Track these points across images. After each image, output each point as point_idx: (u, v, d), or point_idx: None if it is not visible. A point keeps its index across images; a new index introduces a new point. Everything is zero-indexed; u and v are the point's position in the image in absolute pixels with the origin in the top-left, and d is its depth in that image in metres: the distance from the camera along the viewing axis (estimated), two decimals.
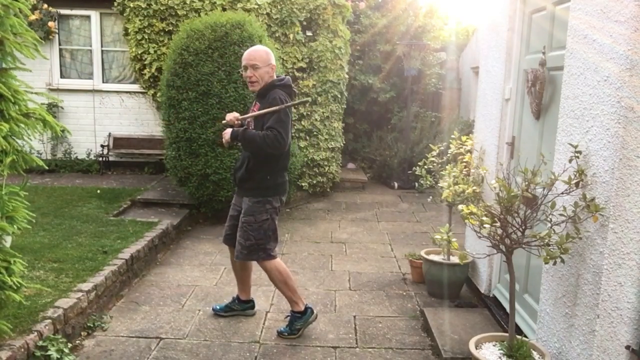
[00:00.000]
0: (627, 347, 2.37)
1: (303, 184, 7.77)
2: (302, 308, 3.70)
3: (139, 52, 7.83)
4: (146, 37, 7.76)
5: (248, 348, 3.52)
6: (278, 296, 4.34)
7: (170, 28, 7.66)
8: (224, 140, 3.61)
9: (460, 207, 3.15)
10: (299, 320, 3.68)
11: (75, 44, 8.56)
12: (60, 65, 8.56)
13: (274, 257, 3.63)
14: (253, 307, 4.02)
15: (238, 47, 5.90)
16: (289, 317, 3.74)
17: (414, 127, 9.52)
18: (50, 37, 8.23)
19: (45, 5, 8.06)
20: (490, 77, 4.26)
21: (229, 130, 3.56)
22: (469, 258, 4.23)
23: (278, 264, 3.65)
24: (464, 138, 4.63)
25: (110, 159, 8.55)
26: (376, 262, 5.29)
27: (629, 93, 2.30)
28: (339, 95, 7.88)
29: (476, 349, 2.93)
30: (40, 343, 3.08)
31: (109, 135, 8.51)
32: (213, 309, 4.00)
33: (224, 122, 3.65)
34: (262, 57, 3.50)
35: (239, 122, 3.60)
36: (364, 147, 9.98)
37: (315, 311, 3.79)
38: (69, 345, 3.35)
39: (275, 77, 3.58)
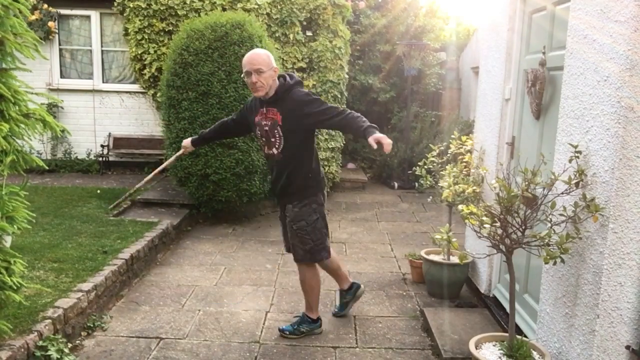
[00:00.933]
0: (627, 347, 2.37)
1: None
2: (315, 317, 3.73)
3: (139, 52, 7.83)
4: (146, 37, 7.77)
5: (248, 348, 3.52)
6: (278, 296, 4.34)
7: (170, 28, 7.66)
8: (387, 147, 2.98)
9: (460, 207, 3.15)
10: (307, 325, 3.69)
11: (75, 44, 8.57)
12: (60, 65, 8.57)
13: (329, 257, 3.66)
14: (359, 286, 4.03)
15: (238, 47, 5.90)
16: (298, 317, 3.75)
17: (414, 127, 9.52)
18: (50, 37, 8.23)
19: (45, 5, 8.06)
20: (490, 77, 4.26)
21: (379, 136, 2.99)
22: (469, 258, 4.23)
23: (315, 269, 3.68)
24: (464, 138, 4.63)
25: (110, 159, 8.56)
26: (376, 262, 5.29)
27: (629, 93, 2.30)
28: (339, 95, 7.88)
29: (476, 349, 2.93)
30: (40, 343, 3.08)
31: (109, 135, 8.51)
32: (334, 314, 4.02)
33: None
34: (265, 61, 3.37)
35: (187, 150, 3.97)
36: (364, 147, 9.98)
37: (322, 327, 3.79)
38: (69, 345, 3.35)
39: (277, 80, 3.45)
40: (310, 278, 3.66)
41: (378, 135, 3.01)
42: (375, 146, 2.98)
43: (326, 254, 3.62)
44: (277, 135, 3.44)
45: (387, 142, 2.97)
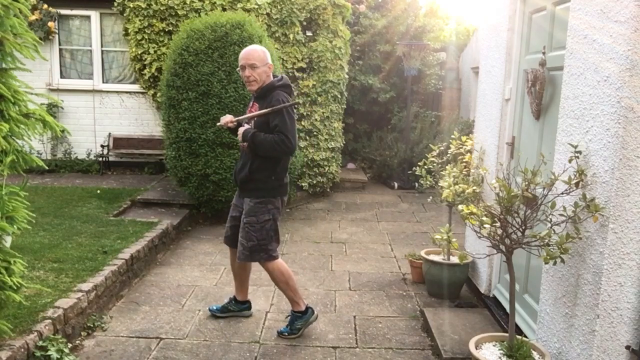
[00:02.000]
0: (627, 347, 2.37)
1: (303, 184, 7.77)
2: (303, 308, 3.70)
3: (139, 52, 7.83)
4: (146, 37, 7.76)
5: (248, 348, 3.52)
6: (278, 296, 4.34)
7: (170, 28, 7.66)
8: (239, 135, 3.57)
9: (460, 207, 3.15)
10: (299, 320, 3.68)
11: (75, 44, 8.56)
12: (60, 66, 8.56)
13: (275, 257, 3.63)
14: (249, 308, 4.02)
15: (238, 47, 5.89)
16: (289, 317, 3.74)
17: (414, 127, 9.52)
18: (50, 37, 8.23)
19: (45, 6, 8.06)
20: (490, 77, 4.26)
21: (242, 129, 3.54)
22: (469, 258, 4.23)
23: (280, 265, 3.65)
24: (464, 138, 4.63)
25: (110, 159, 8.55)
26: (376, 262, 5.29)
27: (629, 93, 2.30)
28: (339, 96, 7.88)
29: (476, 349, 2.93)
30: (40, 343, 3.08)
31: (109, 135, 8.51)
32: (210, 310, 3.99)
33: (218, 124, 3.67)
34: (260, 57, 3.50)
35: (234, 124, 3.60)
36: (364, 147, 9.99)
37: (315, 312, 3.79)
38: (69, 345, 3.35)
39: (272, 77, 3.58)
40: (279, 275, 3.64)
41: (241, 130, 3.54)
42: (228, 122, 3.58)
43: (266, 256, 3.59)
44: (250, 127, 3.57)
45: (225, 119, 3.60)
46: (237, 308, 3.97)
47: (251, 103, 3.68)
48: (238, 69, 3.59)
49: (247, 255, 3.59)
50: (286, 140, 3.39)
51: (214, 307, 3.99)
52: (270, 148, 3.42)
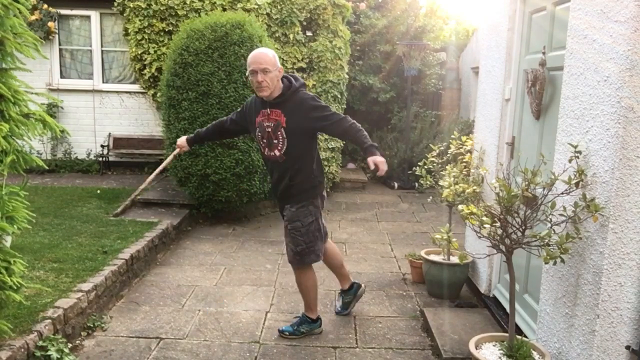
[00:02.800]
0: (627, 347, 2.38)
1: None
2: (315, 317, 3.73)
3: (139, 52, 7.83)
4: (146, 37, 7.77)
5: (248, 348, 3.52)
6: (278, 296, 4.34)
7: (170, 28, 7.66)
8: (382, 171, 3.29)
9: (460, 207, 3.15)
10: (306, 325, 3.69)
11: (75, 44, 8.57)
12: (60, 66, 8.57)
13: (321, 258, 3.66)
14: (360, 285, 4.08)
15: (238, 47, 5.90)
16: (297, 318, 3.75)
17: (414, 127, 9.52)
18: (50, 37, 8.23)
19: (45, 6, 8.06)
20: (490, 77, 4.26)
21: (378, 160, 3.27)
22: (469, 258, 4.23)
23: (312, 270, 3.68)
24: (464, 138, 4.63)
25: (110, 159, 8.56)
26: (376, 262, 5.29)
27: (629, 93, 2.30)
28: (339, 96, 7.88)
29: (476, 349, 2.93)
30: (40, 343, 3.08)
31: (109, 135, 8.51)
32: (337, 313, 4.05)
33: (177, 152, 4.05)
34: (272, 61, 3.35)
35: (183, 149, 4.01)
36: None
37: (322, 327, 3.79)
38: (69, 345, 3.35)
39: (281, 82, 3.43)
40: (306, 280, 3.65)
41: (377, 158, 3.28)
42: (372, 167, 3.27)
43: (315, 258, 3.60)
44: (280, 137, 3.43)
45: (384, 167, 3.27)
46: (351, 295, 4.03)
47: (267, 110, 3.43)
48: (247, 73, 3.43)
49: (299, 260, 3.58)
50: (348, 117, 3.41)
51: (339, 309, 4.08)
52: (361, 129, 3.41)
